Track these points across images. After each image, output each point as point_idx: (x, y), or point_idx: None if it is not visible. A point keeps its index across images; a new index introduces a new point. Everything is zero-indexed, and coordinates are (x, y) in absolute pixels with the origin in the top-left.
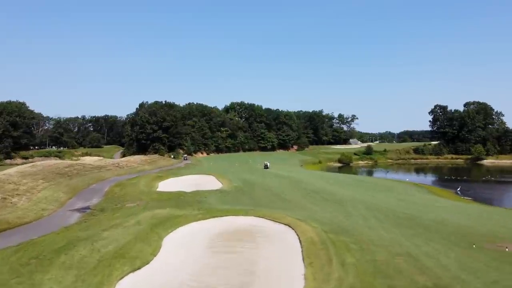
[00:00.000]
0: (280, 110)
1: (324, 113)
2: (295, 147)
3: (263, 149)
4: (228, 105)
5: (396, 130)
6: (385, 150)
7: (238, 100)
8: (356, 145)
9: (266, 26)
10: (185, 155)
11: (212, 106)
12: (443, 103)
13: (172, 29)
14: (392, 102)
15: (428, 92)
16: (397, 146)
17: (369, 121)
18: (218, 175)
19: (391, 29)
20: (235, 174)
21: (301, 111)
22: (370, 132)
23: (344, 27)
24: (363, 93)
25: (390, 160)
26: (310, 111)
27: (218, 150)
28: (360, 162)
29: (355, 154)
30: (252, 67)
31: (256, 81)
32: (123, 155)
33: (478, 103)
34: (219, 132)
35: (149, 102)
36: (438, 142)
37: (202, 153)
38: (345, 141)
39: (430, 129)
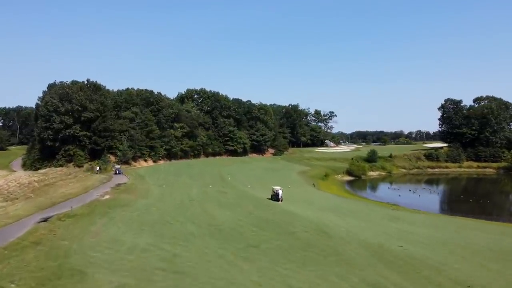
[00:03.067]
0: (252, 102)
1: (300, 108)
2: (271, 150)
3: (232, 153)
4: (184, 92)
5: (348, 130)
6: (391, 156)
7: (196, 87)
8: (333, 148)
9: (237, 11)
10: (117, 167)
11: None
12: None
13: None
14: (345, 101)
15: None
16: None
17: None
18: None
19: (365, 24)
20: (258, 273)
21: (274, 104)
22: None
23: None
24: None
25: (403, 170)
26: (286, 104)
27: (171, 156)
28: (372, 173)
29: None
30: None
31: (217, 69)
32: (24, 163)
33: (493, 98)
34: (171, 130)
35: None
36: (453, 145)
37: (146, 160)
38: (322, 143)
39: (439, 128)
